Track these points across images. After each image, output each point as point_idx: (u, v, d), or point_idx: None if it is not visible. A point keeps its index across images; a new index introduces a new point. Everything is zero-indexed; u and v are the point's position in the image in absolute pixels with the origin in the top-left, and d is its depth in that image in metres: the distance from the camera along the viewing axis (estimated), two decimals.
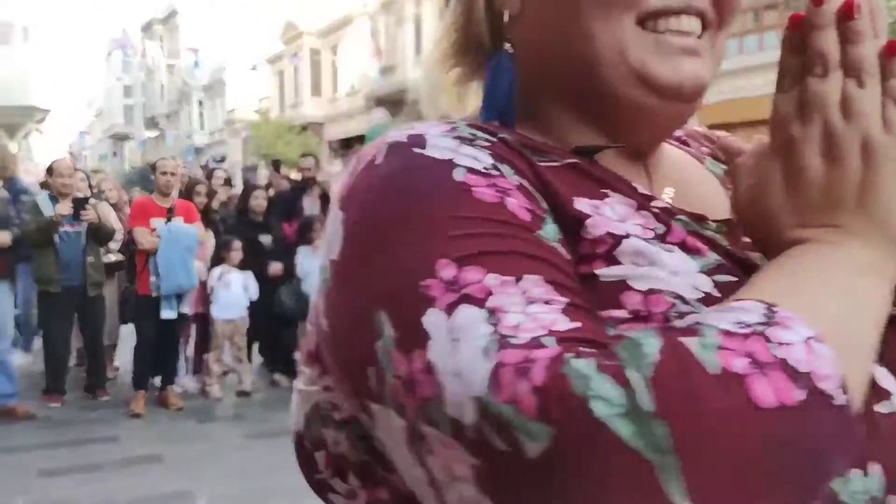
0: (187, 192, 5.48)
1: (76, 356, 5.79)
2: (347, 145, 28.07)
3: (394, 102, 24.10)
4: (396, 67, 22.69)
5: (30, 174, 23.41)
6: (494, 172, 0.45)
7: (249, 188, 5.85)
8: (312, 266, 5.62)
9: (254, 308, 5.44)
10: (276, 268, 5.55)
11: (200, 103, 39.99)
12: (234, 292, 5.30)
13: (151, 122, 44.66)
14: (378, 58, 22.51)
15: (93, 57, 55.46)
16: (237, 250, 5.31)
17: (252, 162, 30.73)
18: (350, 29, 26.48)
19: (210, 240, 5.51)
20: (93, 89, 62.34)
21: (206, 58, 32.51)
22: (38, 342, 6.22)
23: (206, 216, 5.54)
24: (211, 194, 5.71)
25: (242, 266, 5.38)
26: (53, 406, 4.94)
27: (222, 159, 38.38)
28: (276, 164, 9.12)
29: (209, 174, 6.49)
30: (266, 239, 5.60)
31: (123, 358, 5.85)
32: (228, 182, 6.42)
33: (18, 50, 18.53)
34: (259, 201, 5.62)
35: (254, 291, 5.39)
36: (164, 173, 5.04)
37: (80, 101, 69.06)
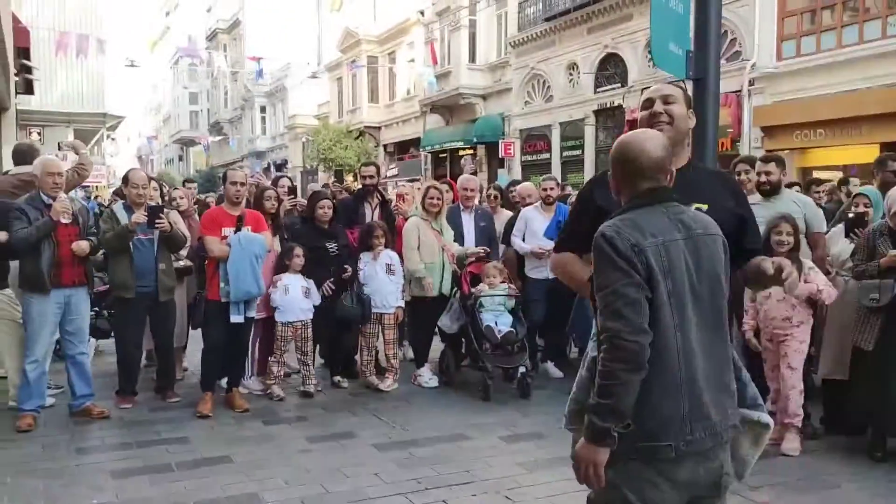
0: (257, 201, 5.65)
1: (146, 356, 6.03)
2: (403, 149, 28.41)
3: (448, 108, 24.28)
4: (450, 73, 22.78)
5: (101, 177, 24.24)
6: None
7: (316, 197, 5.90)
8: (374, 271, 5.73)
9: (316, 312, 5.59)
10: (345, 273, 5.68)
11: (263, 109, 41.10)
12: (294, 296, 5.45)
13: (216, 127, 46.08)
14: (433, 64, 22.65)
15: (161, 65, 57.48)
16: (299, 256, 5.47)
17: (311, 165, 31.38)
18: (407, 37, 26.74)
19: (278, 246, 5.68)
20: (160, 96, 64.67)
21: (268, 66, 33.36)
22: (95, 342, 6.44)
23: (276, 223, 5.71)
24: (279, 201, 5.86)
25: (309, 272, 5.53)
26: (125, 407, 5.16)
27: (284, 162, 39.35)
28: (338, 175, 9.30)
29: (274, 182, 6.65)
30: (332, 246, 5.72)
31: (192, 360, 6.05)
32: (293, 191, 6.57)
33: (94, 61, 19.41)
34: (325, 210, 5.73)
35: (316, 297, 5.55)
36: (234, 183, 5.20)
37: (148, 107, 71.76)
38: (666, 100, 2.28)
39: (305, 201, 6.20)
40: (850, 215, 4.78)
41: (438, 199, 5.92)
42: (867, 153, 12.28)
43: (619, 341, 1.77)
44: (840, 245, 4.72)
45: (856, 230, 4.57)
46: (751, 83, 14.08)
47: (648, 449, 1.82)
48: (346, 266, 5.70)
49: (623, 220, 1.89)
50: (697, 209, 2.09)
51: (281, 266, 5.55)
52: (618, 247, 1.82)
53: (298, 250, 5.49)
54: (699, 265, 1.88)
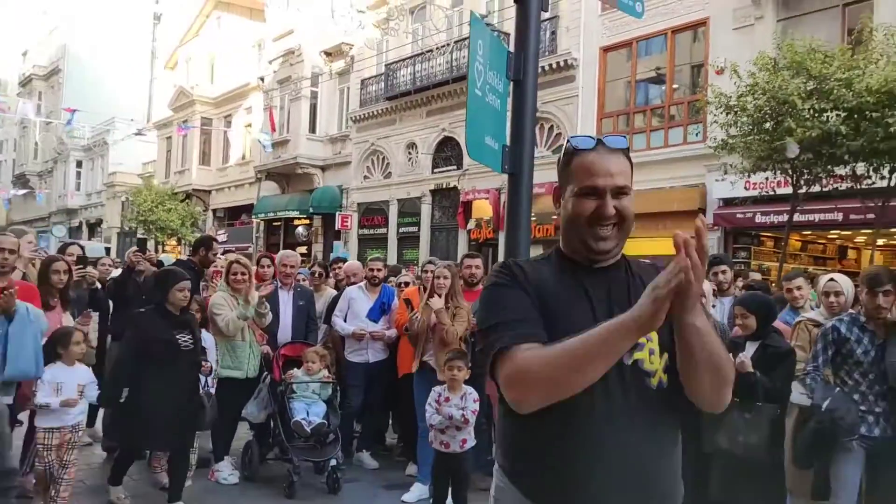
0: (42, 275, 4.83)
1: None
2: (234, 215, 27.21)
3: (284, 175, 23.76)
4: (289, 142, 22.48)
5: None
6: None
7: (173, 278, 4.62)
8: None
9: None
10: (203, 370, 4.77)
11: (79, 164, 37.86)
12: (68, 395, 4.17)
13: (21, 180, 41.67)
14: (272, 132, 22.22)
15: None
16: (80, 343, 4.39)
17: (130, 227, 29.12)
18: (245, 101, 26.18)
19: (68, 321, 4.87)
20: None
21: (89, 119, 30.98)
22: None
23: (64, 297, 4.91)
24: (69, 272, 5.02)
25: (161, 372, 4.38)
26: None
27: (98, 222, 36.20)
28: (140, 244, 8.47)
29: (61, 249, 5.83)
30: (185, 339, 4.54)
31: None
32: (82, 260, 5.76)
33: None
34: (185, 294, 4.58)
35: (93, 392, 4.37)
36: (2, 250, 4.43)
37: None
38: (621, 191, 1.61)
39: (96, 272, 5.46)
40: None
41: (243, 274, 5.48)
42: (670, 246, 13.57)
43: None
44: None
45: None
46: None
47: None
48: (202, 362, 4.76)
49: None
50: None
51: (52, 354, 4.28)
52: None
53: (79, 335, 4.44)
54: None
